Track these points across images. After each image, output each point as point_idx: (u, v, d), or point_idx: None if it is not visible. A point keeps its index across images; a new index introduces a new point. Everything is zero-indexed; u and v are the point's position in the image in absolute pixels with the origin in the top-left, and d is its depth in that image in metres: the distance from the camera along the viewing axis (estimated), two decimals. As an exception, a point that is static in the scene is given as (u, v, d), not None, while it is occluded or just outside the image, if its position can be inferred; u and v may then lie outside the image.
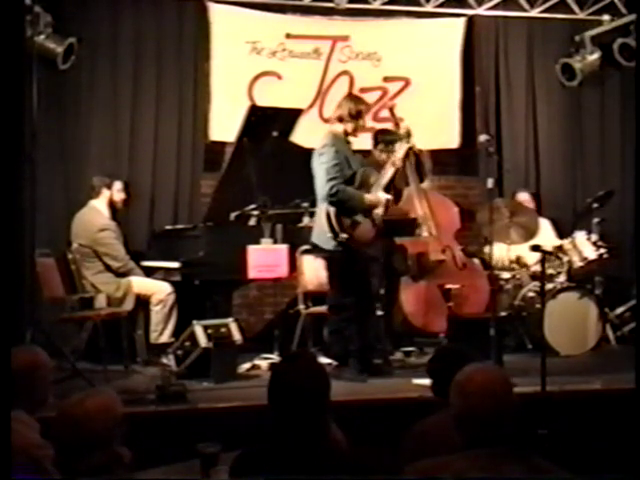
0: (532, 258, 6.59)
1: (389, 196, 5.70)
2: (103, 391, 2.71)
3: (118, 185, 6.60)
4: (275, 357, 6.15)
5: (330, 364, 5.65)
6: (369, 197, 5.65)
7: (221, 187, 6.36)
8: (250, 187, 6.07)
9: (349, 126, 5.69)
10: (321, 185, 5.62)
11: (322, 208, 5.65)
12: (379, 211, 5.66)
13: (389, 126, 6.21)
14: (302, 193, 6.20)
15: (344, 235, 5.54)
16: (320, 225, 5.68)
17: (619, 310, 7.39)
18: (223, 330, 5.67)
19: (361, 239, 5.63)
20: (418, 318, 6.50)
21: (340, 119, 5.71)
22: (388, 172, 5.74)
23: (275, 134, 6.30)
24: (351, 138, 5.79)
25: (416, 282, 6.58)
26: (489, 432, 2.28)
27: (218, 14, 7.18)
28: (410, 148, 5.76)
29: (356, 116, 5.67)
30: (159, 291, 6.24)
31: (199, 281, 6.03)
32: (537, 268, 6.04)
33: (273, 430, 2.49)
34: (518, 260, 6.92)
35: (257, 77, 7.30)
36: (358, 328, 5.66)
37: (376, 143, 6.18)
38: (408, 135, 5.74)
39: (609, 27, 7.74)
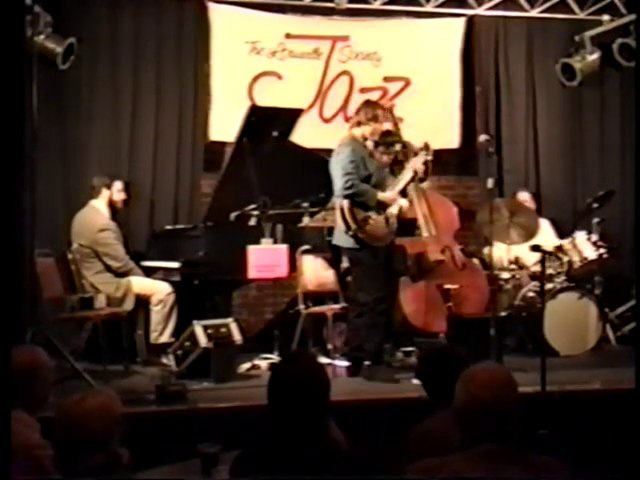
0: (532, 258, 6.59)
1: (407, 203, 5.98)
2: (102, 391, 2.70)
3: (118, 185, 6.60)
4: (275, 357, 6.14)
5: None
6: (382, 194, 5.86)
7: (221, 187, 6.35)
8: (250, 187, 6.06)
9: (366, 130, 5.95)
10: (338, 183, 5.79)
11: (338, 205, 5.80)
12: (394, 211, 5.83)
13: (389, 126, 6.24)
14: (302, 193, 6.20)
15: (356, 227, 5.69)
16: (339, 224, 5.82)
17: (619, 310, 7.40)
18: (223, 330, 5.68)
19: (373, 235, 5.79)
20: (418, 318, 6.49)
21: (358, 123, 5.98)
22: (405, 178, 6.02)
23: (275, 134, 6.30)
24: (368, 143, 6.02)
25: (415, 282, 6.57)
26: (491, 428, 2.28)
27: (218, 14, 7.17)
28: (426, 162, 6.07)
29: (373, 119, 5.92)
30: (159, 291, 6.24)
31: (199, 281, 6.03)
32: (537, 268, 6.03)
33: (273, 430, 2.49)
34: (516, 261, 6.91)
35: (257, 77, 7.30)
36: (376, 325, 5.77)
37: (376, 145, 6.20)
38: (427, 148, 6.06)
39: (609, 27, 7.73)
